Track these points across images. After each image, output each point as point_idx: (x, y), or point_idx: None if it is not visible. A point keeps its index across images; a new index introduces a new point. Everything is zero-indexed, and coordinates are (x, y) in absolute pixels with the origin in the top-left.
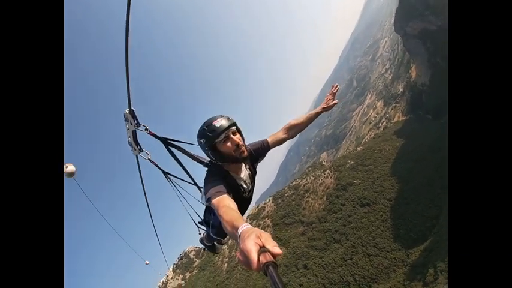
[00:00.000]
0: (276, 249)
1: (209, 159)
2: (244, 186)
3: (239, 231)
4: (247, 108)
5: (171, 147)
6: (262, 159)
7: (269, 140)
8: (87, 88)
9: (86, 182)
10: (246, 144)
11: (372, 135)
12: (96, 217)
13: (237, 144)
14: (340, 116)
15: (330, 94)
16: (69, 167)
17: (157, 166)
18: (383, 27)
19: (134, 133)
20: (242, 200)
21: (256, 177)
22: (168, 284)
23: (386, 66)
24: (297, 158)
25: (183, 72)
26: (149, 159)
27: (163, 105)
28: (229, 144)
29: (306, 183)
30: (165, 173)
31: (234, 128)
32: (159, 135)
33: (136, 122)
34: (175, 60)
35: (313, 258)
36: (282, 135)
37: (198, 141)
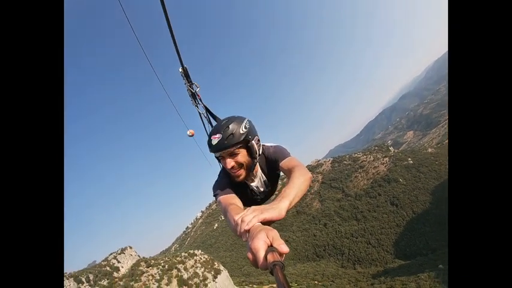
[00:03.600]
0: (284, 248)
1: None
2: (256, 191)
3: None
4: None
5: (208, 114)
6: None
7: (281, 164)
8: None
9: None
10: (273, 145)
11: None
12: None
13: (231, 167)
14: (444, 99)
15: None
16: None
17: (202, 102)
18: None
19: (186, 70)
20: (253, 202)
21: (277, 180)
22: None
23: None
24: (385, 124)
25: None
26: (196, 92)
27: None
28: (224, 163)
29: (364, 160)
30: (208, 110)
31: (232, 149)
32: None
33: (189, 81)
34: None
35: (333, 222)
36: (285, 172)
37: None
